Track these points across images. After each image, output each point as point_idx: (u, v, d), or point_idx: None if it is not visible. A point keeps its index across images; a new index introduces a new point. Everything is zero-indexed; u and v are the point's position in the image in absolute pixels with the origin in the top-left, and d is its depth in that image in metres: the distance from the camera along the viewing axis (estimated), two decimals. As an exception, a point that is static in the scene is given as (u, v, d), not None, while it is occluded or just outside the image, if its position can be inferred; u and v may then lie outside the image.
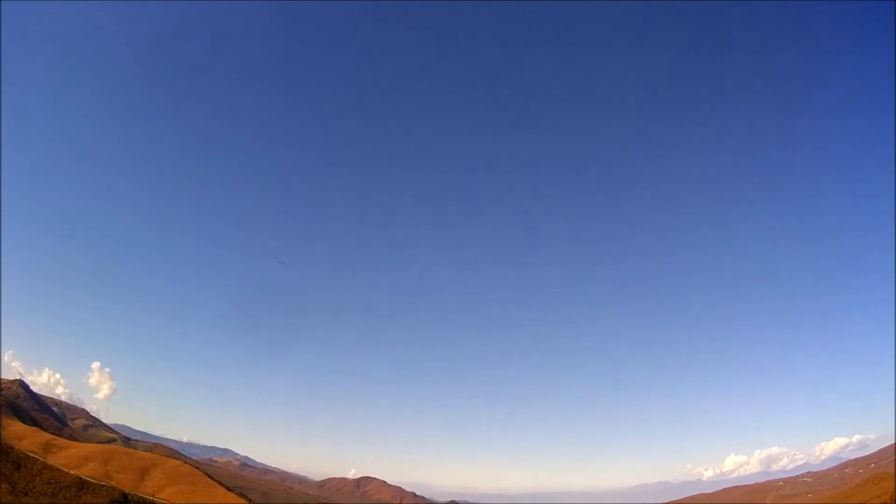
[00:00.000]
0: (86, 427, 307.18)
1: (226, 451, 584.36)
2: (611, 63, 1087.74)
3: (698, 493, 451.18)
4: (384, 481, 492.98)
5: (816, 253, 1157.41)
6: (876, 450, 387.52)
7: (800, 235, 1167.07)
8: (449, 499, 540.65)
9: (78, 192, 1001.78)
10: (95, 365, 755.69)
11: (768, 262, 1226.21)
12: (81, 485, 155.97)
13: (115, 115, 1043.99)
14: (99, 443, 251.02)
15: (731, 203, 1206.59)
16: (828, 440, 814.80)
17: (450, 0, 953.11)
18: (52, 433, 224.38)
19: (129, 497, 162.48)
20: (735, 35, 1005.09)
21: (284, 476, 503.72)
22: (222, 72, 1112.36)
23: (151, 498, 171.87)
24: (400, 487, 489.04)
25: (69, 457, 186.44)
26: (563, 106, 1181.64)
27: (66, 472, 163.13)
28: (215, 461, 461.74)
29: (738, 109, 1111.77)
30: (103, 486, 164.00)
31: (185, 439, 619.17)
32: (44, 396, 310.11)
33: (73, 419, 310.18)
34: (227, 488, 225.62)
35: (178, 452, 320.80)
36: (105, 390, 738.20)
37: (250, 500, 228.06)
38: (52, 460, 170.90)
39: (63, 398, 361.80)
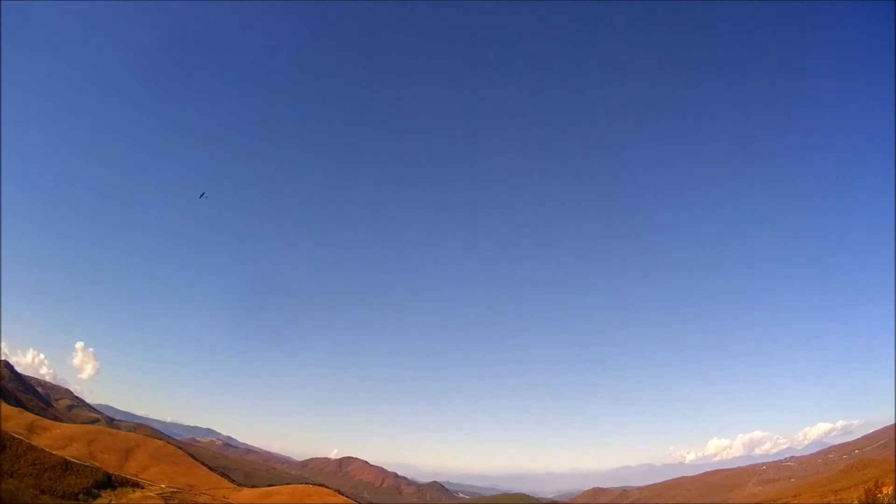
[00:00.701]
0: (70, 407, 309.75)
1: (209, 432, 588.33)
2: (613, 63, 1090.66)
3: (680, 475, 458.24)
4: (366, 462, 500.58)
5: (800, 242, 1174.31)
6: (860, 436, 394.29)
7: (786, 225, 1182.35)
8: (431, 479, 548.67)
9: (67, 178, 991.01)
10: (79, 345, 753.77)
11: (753, 250, 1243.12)
12: (66, 465, 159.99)
13: (113, 108, 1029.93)
14: (83, 423, 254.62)
15: (723, 195, 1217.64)
16: (811, 425, 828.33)
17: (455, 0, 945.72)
18: (36, 414, 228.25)
19: (113, 477, 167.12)
20: (735, 35, 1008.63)
21: (267, 456, 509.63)
22: (227, 71, 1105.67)
23: (135, 478, 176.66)
24: (382, 468, 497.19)
25: (53, 437, 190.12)
26: (567, 106, 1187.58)
27: (51, 453, 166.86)
28: (198, 441, 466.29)
29: (738, 109, 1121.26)
30: (87, 466, 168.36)
31: (168, 419, 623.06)
32: (28, 377, 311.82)
33: (57, 399, 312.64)
34: (210, 468, 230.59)
35: (162, 433, 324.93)
36: (89, 370, 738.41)
37: (233, 480, 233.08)
38: (37, 441, 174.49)
39: (47, 378, 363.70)
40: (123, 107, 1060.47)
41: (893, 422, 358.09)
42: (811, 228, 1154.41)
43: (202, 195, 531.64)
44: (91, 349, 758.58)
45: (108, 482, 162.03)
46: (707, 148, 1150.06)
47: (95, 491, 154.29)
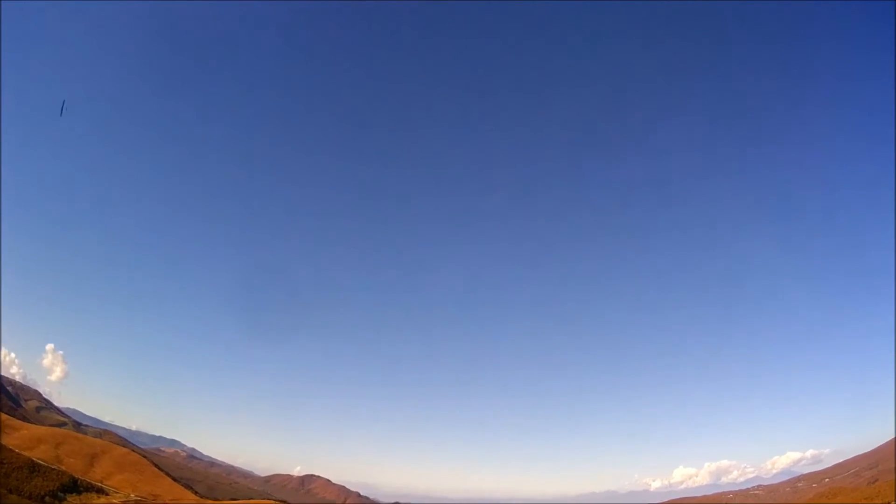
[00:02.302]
0: (38, 409, 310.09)
1: (173, 442, 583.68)
2: (613, 62, 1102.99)
3: (644, 502, 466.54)
4: (329, 480, 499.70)
5: (776, 264, 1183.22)
6: (831, 464, 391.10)
7: (758, 246, 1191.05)
8: (393, 500, 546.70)
9: (37, 175, 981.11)
10: (49, 346, 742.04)
11: (722, 275, 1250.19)
12: (33, 467, 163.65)
13: (92, 104, 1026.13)
14: (51, 426, 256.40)
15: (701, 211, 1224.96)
16: (780, 454, 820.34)
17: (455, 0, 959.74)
18: (5, 413, 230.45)
19: (79, 482, 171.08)
20: (734, 35, 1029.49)
21: (230, 470, 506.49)
22: (225, 70, 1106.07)
23: (100, 484, 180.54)
24: (344, 487, 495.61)
25: (22, 438, 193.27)
26: (566, 107, 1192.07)
27: (19, 454, 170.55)
28: (163, 451, 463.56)
29: (737, 109, 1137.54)
30: (54, 469, 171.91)
31: (134, 427, 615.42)
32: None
33: (26, 400, 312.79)
34: (174, 479, 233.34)
35: (127, 440, 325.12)
36: (58, 373, 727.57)
37: (196, 492, 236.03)
38: (5, 440, 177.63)
39: (17, 378, 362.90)
40: (103, 104, 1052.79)
41: (866, 451, 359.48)
42: (784, 251, 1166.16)
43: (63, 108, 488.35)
44: (61, 352, 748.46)
45: (74, 486, 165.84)
46: (705, 148, 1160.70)
47: (61, 494, 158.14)
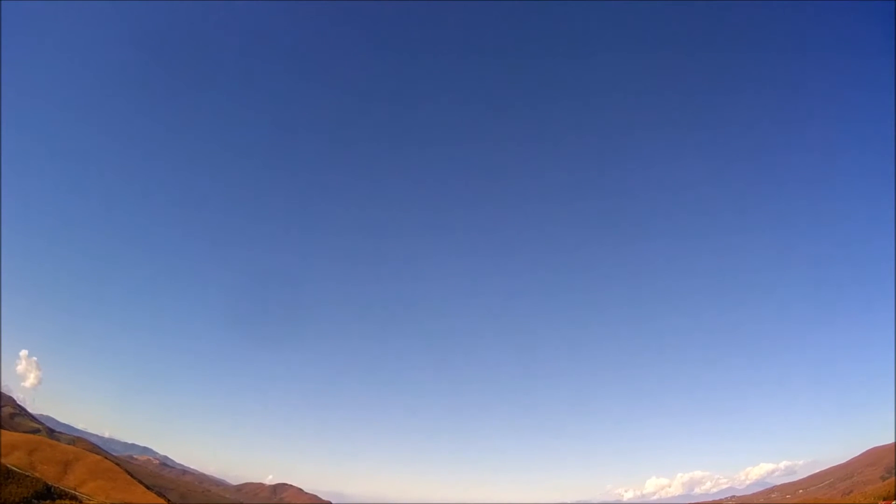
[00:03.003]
0: (12, 415, 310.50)
1: (146, 450, 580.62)
2: (612, 65, 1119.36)
3: None
4: (300, 489, 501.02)
5: (750, 279, 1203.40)
6: (805, 475, 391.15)
7: (739, 253, 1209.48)
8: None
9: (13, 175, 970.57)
10: (24, 353, 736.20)
11: (696, 289, 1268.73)
12: (7, 474, 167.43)
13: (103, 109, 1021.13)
14: (24, 432, 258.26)
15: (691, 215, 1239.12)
16: (753, 465, 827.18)
17: (456, 0, 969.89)
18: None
19: (53, 489, 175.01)
20: (734, 35, 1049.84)
21: (202, 478, 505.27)
22: (224, 69, 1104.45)
23: (73, 491, 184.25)
24: (316, 496, 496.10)
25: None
26: (565, 109, 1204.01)
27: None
28: (135, 459, 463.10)
29: (737, 109, 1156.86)
30: (28, 476, 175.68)
31: (106, 434, 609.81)
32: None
33: (0, 407, 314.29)
34: (147, 487, 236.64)
35: (100, 448, 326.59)
36: (32, 379, 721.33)
37: (169, 500, 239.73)
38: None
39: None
40: (90, 103, 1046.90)
41: (841, 462, 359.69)
42: (761, 263, 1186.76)
43: None
44: (35, 358, 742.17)
45: (48, 493, 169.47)
46: (702, 148, 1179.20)
47: (35, 502, 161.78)
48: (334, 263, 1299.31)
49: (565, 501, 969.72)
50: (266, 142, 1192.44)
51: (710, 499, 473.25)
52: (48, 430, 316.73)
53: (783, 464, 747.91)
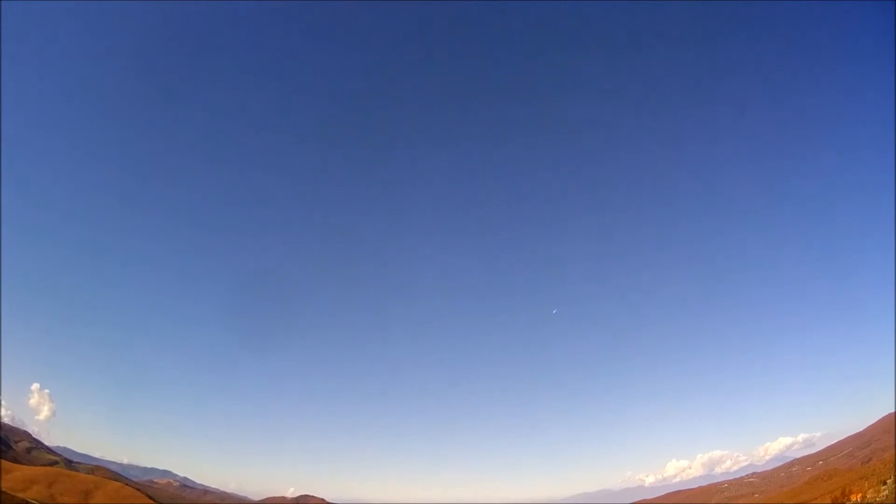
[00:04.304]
0: (29, 450, 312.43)
1: (165, 473, 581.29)
2: (608, 63, 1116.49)
3: (640, 498, 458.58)
4: (323, 499, 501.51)
5: (760, 251, 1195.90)
6: (823, 447, 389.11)
7: (750, 236, 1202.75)
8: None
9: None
10: (35, 386, 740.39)
11: (706, 261, 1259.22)
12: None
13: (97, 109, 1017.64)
14: (42, 465, 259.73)
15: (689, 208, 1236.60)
16: (772, 441, 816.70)
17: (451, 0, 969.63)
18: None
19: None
20: (733, 35, 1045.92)
21: (224, 496, 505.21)
22: (219, 69, 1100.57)
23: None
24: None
25: (14, 480, 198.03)
26: (562, 107, 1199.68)
27: (13, 496, 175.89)
28: (156, 483, 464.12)
29: (735, 109, 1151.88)
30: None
31: (125, 461, 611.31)
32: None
33: (16, 442, 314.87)
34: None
35: (119, 474, 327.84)
36: (45, 412, 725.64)
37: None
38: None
39: (6, 420, 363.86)
40: (78, 107, 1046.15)
41: (858, 431, 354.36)
42: (777, 240, 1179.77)
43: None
44: (47, 390, 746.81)
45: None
46: (700, 147, 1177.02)
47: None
48: (333, 266, 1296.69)
49: (587, 491, 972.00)
50: (263, 142, 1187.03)
51: (731, 477, 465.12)
52: (66, 461, 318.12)
53: (801, 437, 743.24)
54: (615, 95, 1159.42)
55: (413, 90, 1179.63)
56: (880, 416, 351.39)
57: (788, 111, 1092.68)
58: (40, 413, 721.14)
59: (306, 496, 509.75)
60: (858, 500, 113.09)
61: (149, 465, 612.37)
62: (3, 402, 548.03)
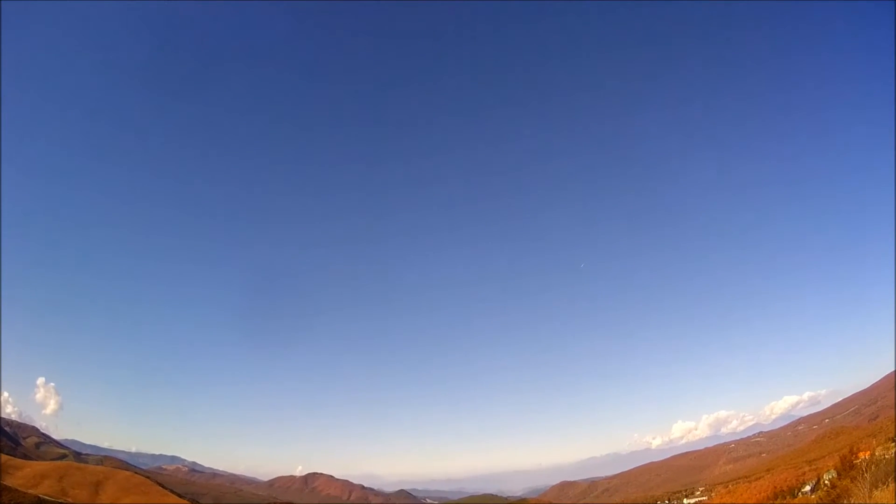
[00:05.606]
0: (38, 445, 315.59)
1: (174, 459, 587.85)
2: (609, 62, 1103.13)
3: (648, 461, 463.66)
4: (331, 476, 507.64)
5: (760, 223, 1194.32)
6: (829, 405, 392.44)
7: (755, 214, 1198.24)
8: (398, 488, 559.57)
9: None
10: (40, 380, 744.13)
11: (710, 228, 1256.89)
12: (40, 503, 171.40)
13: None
14: (52, 460, 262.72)
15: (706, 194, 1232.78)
16: (777, 400, 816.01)
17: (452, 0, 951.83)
18: (6, 453, 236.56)
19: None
20: (732, 36, 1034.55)
21: (233, 479, 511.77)
22: (222, 69, 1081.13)
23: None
24: (348, 481, 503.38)
25: (25, 476, 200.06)
26: (563, 105, 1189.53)
27: (25, 492, 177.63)
28: (165, 469, 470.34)
29: (735, 109, 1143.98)
30: (60, 503, 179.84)
31: (133, 450, 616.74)
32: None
33: (24, 437, 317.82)
34: (179, 495, 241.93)
35: (128, 463, 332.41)
36: (52, 406, 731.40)
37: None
38: (10, 481, 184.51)
39: (13, 417, 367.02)
40: (85, 107, 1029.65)
41: (864, 388, 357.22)
42: (782, 199, 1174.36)
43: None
44: (52, 384, 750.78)
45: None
46: (699, 147, 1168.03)
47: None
48: (340, 256, 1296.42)
49: (594, 456, 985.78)
50: (271, 142, 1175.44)
51: (737, 437, 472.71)
52: (75, 454, 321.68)
53: (807, 395, 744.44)
54: (615, 96, 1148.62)
55: (425, 92, 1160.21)
56: (886, 373, 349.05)
57: (787, 111, 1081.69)
58: (47, 407, 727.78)
59: (315, 474, 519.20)
60: (867, 457, 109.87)
61: (157, 453, 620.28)
62: (9, 399, 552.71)
